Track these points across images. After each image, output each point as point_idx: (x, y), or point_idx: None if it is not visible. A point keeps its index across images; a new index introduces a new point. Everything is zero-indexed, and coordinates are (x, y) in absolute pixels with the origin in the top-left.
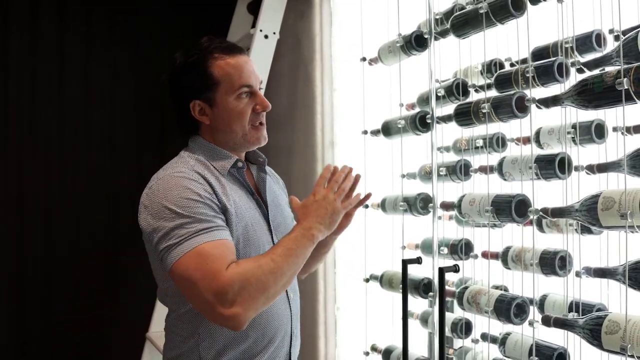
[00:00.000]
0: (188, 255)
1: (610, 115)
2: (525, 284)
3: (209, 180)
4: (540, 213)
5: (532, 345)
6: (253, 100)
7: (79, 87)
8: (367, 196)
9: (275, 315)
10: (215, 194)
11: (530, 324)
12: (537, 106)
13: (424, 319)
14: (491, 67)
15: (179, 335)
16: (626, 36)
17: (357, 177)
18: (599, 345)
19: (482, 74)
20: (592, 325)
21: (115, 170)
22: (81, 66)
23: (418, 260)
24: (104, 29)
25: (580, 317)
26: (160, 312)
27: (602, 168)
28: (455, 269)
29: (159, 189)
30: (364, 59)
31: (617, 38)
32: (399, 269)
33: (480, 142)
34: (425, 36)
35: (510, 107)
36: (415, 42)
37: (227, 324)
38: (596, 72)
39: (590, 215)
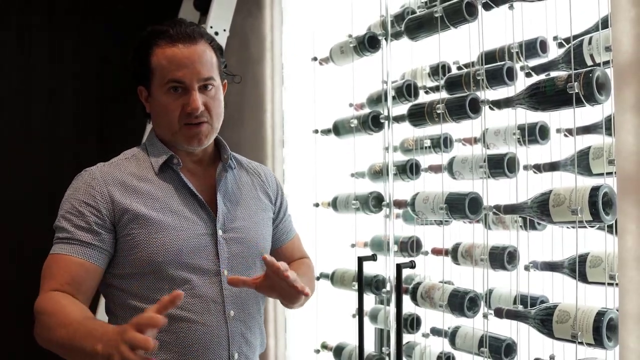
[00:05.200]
0: (48, 258)
1: (553, 118)
2: (470, 279)
3: (112, 184)
4: (494, 210)
5: (482, 337)
6: (186, 98)
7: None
8: None
9: (192, 337)
10: (112, 201)
11: (485, 316)
12: (490, 107)
13: (373, 316)
14: (439, 69)
15: None
16: (572, 43)
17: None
18: (550, 334)
19: (429, 76)
20: (543, 315)
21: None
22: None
23: (373, 257)
24: (44, 20)
25: (532, 308)
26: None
27: (549, 167)
28: (411, 265)
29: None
30: (315, 59)
31: (560, 45)
32: (350, 267)
33: (428, 142)
34: (379, 37)
35: (464, 108)
36: (369, 43)
37: None
38: (542, 76)
39: (541, 211)
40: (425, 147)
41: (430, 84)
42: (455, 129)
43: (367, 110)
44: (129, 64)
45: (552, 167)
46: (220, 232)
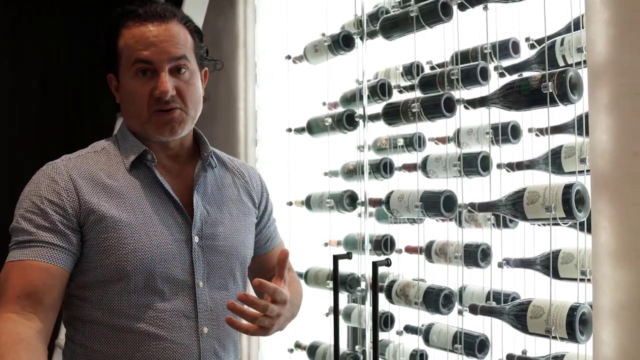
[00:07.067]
0: (4, 267)
1: (525, 118)
2: (443, 276)
3: (78, 180)
4: (468, 208)
5: (456, 333)
6: (155, 81)
7: None
8: None
9: (160, 356)
10: (79, 199)
11: (460, 313)
12: (465, 107)
13: (347, 314)
14: (412, 69)
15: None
16: (545, 44)
17: None
18: (524, 329)
19: (403, 75)
20: (517, 311)
21: None
22: None
23: (348, 256)
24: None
25: (506, 304)
26: None
27: (522, 166)
28: (387, 262)
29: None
30: (288, 57)
31: (531, 46)
32: (323, 266)
33: (401, 142)
34: (354, 36)
35: (439, 107)
36: (343, 42)
37: None
38: (515, 76)
39: (515, 208)
40: (399, 146)
41: (404, 83)
42: (427, 128)
43: (340, 109)
44: (97, 51)
45: (525, 165)
46: (196, 239)
